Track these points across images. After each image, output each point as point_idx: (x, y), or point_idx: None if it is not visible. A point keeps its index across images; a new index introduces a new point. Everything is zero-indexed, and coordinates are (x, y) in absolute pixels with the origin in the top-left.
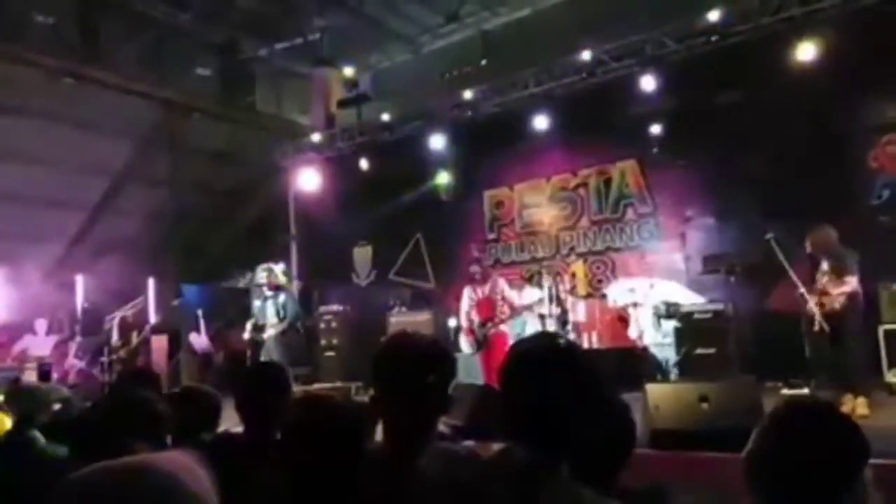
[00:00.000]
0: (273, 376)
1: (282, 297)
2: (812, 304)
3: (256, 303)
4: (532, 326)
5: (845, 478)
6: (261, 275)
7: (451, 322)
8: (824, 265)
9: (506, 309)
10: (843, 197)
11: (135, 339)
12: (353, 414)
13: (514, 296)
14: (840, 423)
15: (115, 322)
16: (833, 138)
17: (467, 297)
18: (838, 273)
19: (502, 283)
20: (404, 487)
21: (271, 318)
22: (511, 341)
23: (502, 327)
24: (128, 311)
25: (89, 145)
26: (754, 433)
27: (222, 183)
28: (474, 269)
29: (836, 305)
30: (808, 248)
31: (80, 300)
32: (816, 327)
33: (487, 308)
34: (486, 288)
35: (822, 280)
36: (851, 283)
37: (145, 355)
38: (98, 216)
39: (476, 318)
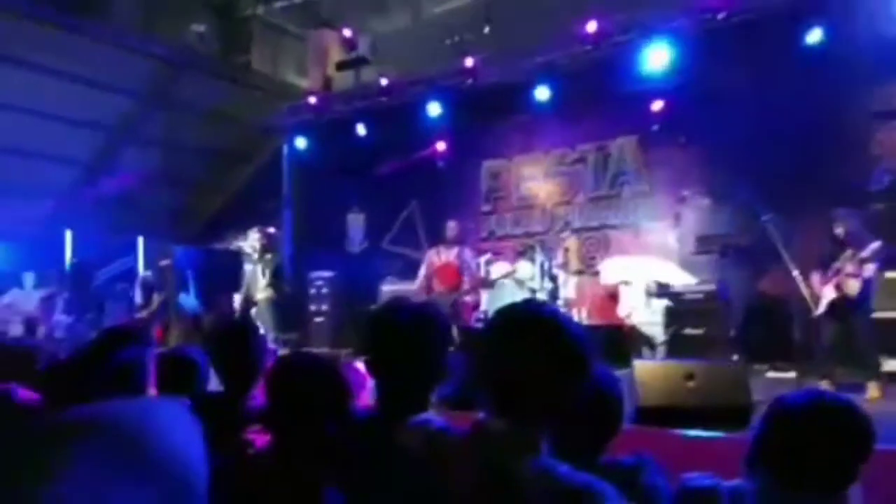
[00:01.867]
0: (249, 336)
1: (273, 260)
2: (824, 288)
3: (248, 266)
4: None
5: (850, 470)
6: (253, 237)
7: None
8: (849, 251)
9: (468, 280)
10: (842, 182)
11: (156, 300)
12: (338, 373)
13: (476, 267)
14: (850, 414)
15: (138, 282)
16: (837, 123)
17: (426, 263)
18: (862, 259)
19: (468, 254)
20: (386, 453)
21: (262, 280)
22: (479, 315)
23: (467, 298)
24: (145, 274)
25: (84, 100)
26: (759, 419)
27: (216, 143)
28: (451, 224)
29: (854, 291)
30: (840, 233)
31: (68, 255)
32: (821, 310)
33: (449, 275)
34: (452, 253)
35: (846, 265)
36: (871, 270)
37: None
38: (91, 172)
39: (438, 287)
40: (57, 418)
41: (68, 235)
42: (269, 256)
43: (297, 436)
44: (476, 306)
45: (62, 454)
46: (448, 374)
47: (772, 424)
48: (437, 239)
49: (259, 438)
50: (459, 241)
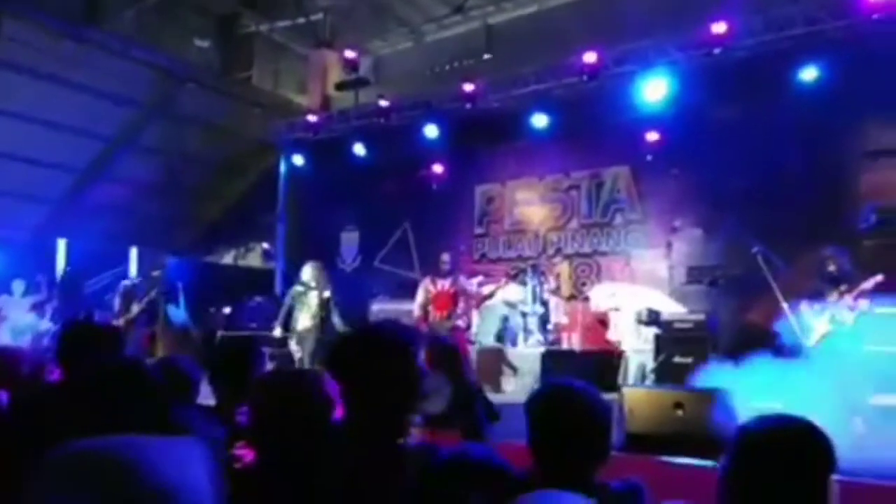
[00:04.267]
0: (245, 349)
1: (327, 292)
2: (816, 321)
3: (299, 288)
4: (513, 323)
5: (816, 485)
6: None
7: None
8: (843, 286)
9: (463, 305)
10: (830, 219)
11: (135, 308)
12: (318, 386)
13: (475, 291)
14: (807, 434)
15: (119, 290)
16: (826, 160)
17: (423, 290)
18: (862, 291)
19: (464, 280)
20: (373, 468)
21: (309, 310)
22: (471, 337)
23: (459, 322)
24: (126, 281)
25: (84, 109)
26: (725, 452)
27: (214, 157)
28: (444, 257)
29: (849, 323)
30: (833, 270)
31: (60, 264)
32: (812, 342)
33: (445, 302)
34: (447, 282)
35: (842, 298)
36: (866, 304)
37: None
38: (87, 180)
39: (435, 314)
40: (57, 452)
41: (61, 243)
42: (314, 287)
43: (279, 451)
44: (468, 327)
45: (57, 488)
46: (423, 398)
47: (734, 453)
48: (429, 259)
49: (247, 454)
50: (452, 271)
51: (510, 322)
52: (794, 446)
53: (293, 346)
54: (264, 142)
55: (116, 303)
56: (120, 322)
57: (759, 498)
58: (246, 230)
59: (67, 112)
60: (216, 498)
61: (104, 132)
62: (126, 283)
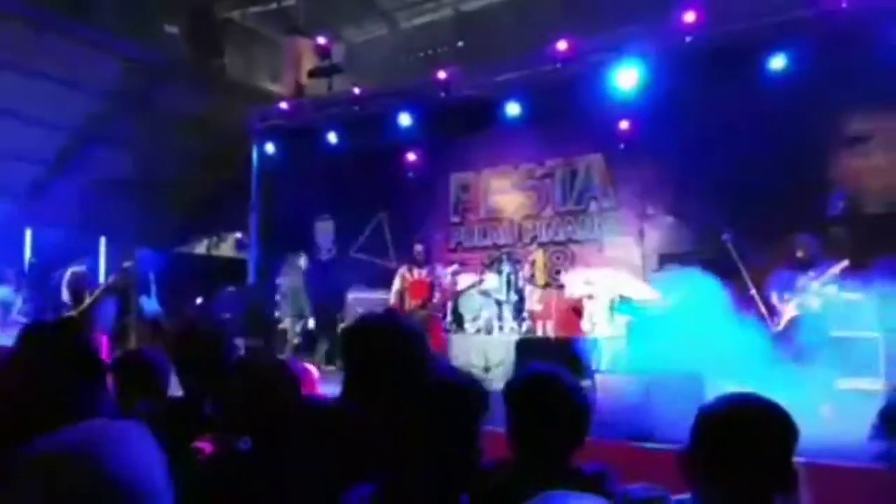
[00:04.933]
0: (216, 341)
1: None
2: (785, 305)
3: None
4: (487, 311)
5: (778, 462)
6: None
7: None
8: (811, 272)
9: (439, 295)
10: (800, 205)
11: (88, 298)
12: (285, 367)
13: (451, 283)
14: (769, 409)
15: (66, 281)
16: (797, 147)
17: (399, 278)
18: (831, 275)
19: (440, 270)
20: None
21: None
22: (447, 326)
23: (435, 312)
24: (74, 269)
25: (53, 99)
26: (691, 432)
27: (186, 146)
28: (418, 248)
29: (816, 308)
30: (802, 256)
31: (27, 255)
32: (780, 327)
33: (421, 291)
34: (424, 272)
35: (809, 283)
36: (833, 289)
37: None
38: (57, 172)
39: (409, 301)
40: (25, 453)
41: (28, 234)
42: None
43: (263, 437)
44: (444, 316)
45: (32, 489)
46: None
47: (696, 434)
48: (405, 248)
49: (207, 446)
50: (427, 261)
51: (468, 304)
52: (754, 424)
53: (288, 324)
54: (237, 130)
55: (65, 294)
56: (73, 313)
57: (722, 477)
58: (219, 220)
59: (34, 102)
60: (167, 480)
61: (73, 123)
62: (75, 271)
